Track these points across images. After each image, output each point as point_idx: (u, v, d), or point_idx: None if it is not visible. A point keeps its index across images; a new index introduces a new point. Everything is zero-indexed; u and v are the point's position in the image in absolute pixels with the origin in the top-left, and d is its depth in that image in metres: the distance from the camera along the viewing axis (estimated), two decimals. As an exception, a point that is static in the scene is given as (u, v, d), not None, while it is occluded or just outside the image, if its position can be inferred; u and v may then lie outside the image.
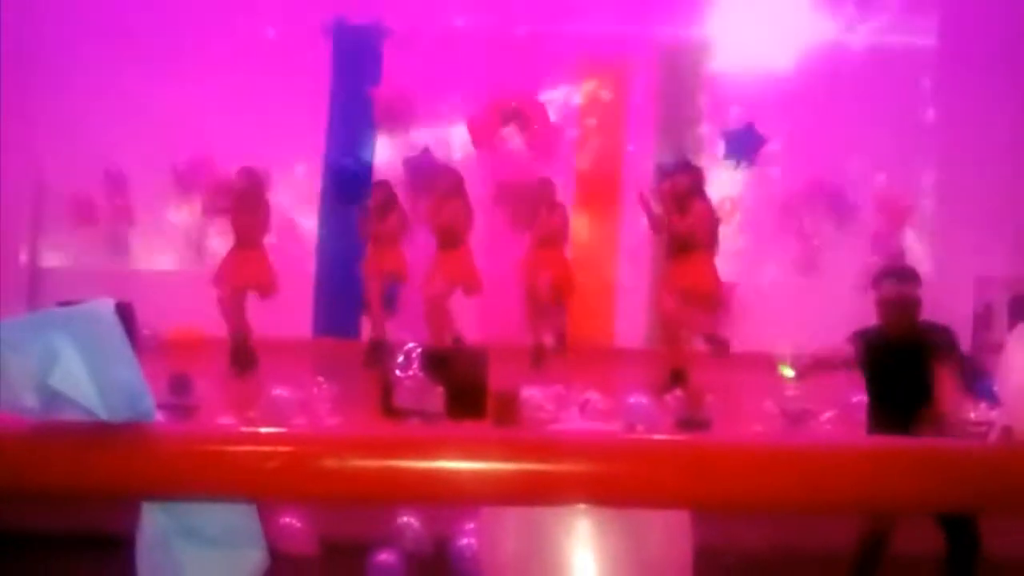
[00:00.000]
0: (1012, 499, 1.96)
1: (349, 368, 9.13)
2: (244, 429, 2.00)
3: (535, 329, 9.31)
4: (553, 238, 9.34)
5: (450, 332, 8.99)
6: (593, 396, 7.23)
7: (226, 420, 6.13)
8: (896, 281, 5.13)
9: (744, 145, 10.22)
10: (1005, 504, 2.04)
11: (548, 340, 9.38)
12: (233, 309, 8.84)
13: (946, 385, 5.07)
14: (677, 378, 8.23)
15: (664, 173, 8.89)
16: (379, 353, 9.22)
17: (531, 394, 7.25)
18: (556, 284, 9.36)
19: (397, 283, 9.46)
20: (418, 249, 9.57)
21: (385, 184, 9.65)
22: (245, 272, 8.89)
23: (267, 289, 8.97)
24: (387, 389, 7.28)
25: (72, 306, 1.80)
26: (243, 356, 8.77)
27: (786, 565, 5.14)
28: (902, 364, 5.04)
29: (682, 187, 8.52)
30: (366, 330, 9.85)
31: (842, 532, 4.93)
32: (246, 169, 9.09)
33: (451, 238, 9.16)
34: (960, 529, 4.78)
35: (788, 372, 5.67)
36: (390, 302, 9.54)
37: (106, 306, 1.80)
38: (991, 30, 9.85)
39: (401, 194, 9.79)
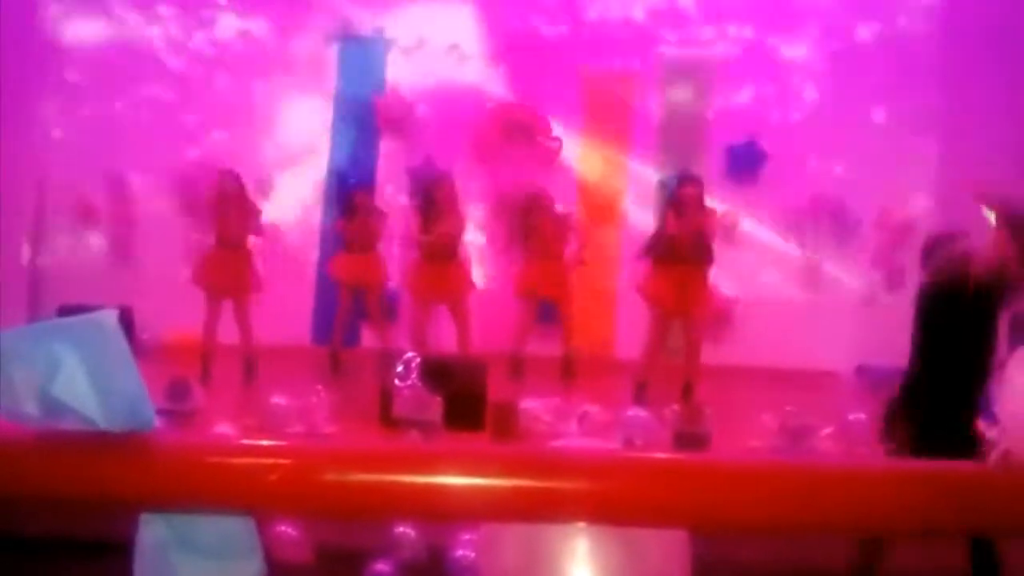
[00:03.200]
0: (1010, 523, 1.96)
1: (348, 376, 9.14)
2: (245, 441, 2.00)
3: (520, 339, 9.26)
4: (549, 250, 9.27)
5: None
6: (592, 409, 7.21)
7: (223, 427, 6.12)
8: None
9: (746, 161, 10.23)
10: (1003, 528, 2.05)
11: (571, 352, 9.38)
12: (209, 313, 8.80)
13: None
14: (642, 390, 8.25)
15: (681, 179, 8.83)
16: (337, 363, 9.28)
17: (530, 406, 7.24)
18: (551, 296, 9.34)
19: (372, 291, 9.44)
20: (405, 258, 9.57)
21: (362, 190, 9.65)
22: (223, 277, 8.88)
23: (243, 294, 8.91)
24: (386, 398, 7.27)
25: (75, 316, 1.81)
26: (203, 364, 8.67)
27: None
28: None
29: (701, 195, 8.53)
30: (367, 338, 9.85)
31: (841, 550, 4.92)
32: (226, 171, 8.95)
33: (450, 249, 9.13)
34: (986, 546, 4.75)
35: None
36: (379, 310, 9.55)
37: (110, 316, 1.80)
38: (995, 47, 9.86)
39: (405, 202, 9.82)
